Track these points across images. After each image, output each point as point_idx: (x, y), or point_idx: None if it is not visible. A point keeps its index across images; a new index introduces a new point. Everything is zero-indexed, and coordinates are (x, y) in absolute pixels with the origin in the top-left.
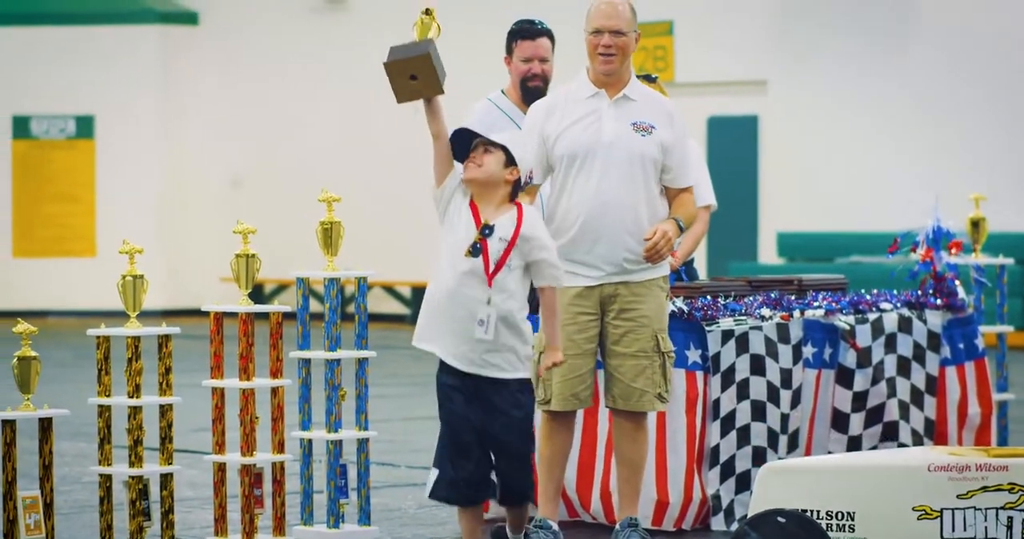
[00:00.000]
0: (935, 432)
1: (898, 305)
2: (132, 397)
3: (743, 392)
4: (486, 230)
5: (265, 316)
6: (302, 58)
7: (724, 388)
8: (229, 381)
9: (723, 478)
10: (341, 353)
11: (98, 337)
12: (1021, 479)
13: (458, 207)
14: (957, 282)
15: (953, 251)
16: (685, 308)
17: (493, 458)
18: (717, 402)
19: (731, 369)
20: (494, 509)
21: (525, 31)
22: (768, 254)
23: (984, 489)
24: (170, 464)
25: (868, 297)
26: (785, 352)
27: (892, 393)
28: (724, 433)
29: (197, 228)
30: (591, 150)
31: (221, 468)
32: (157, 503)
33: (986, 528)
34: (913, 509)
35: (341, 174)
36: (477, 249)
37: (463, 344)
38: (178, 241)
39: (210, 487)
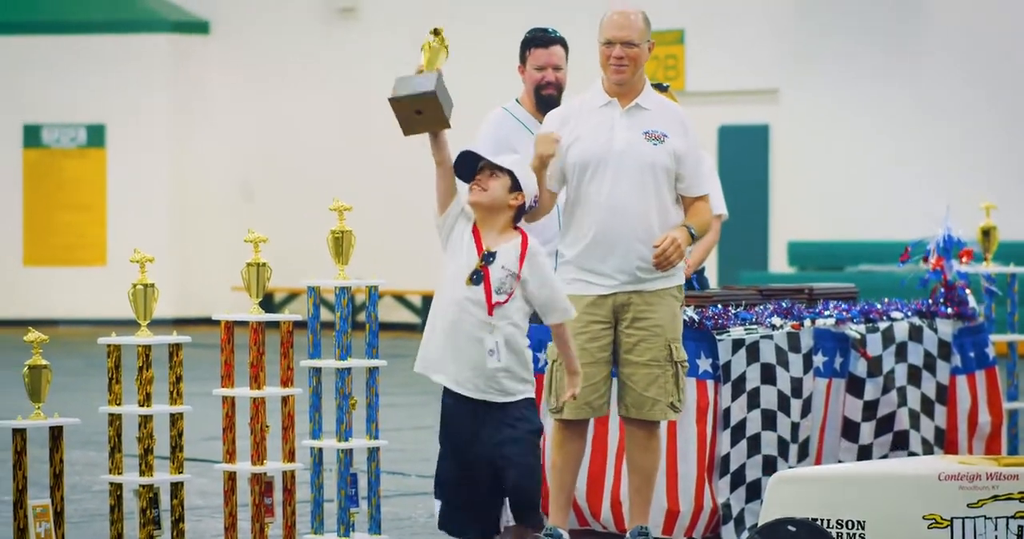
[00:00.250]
0: (945, 441)
1: (909, 314)
2: (143, 406)
3: (754, 401)
4: (488, 258)
5: (276, 325)
6: (313, 67)
7: (735, 397)
8: (240, 390)
9: (733, 487)
10: (352, 362)
11: (109, 346)
12: None
13: (460, 233)
14: (968, 291)
15: (964, 260)
16: (696, 317)
17: (502, 473)
18: (727, 411)
19: (742, 378)
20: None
21: (538, 39)
22: (779, 263)
23: (995, 498)
24: (181, 473)
25: (879, 306)
26: (796, 361)
27: (903, 402)
28: (734, 442)
29: (208, 237)
30: (603, 159)
31: (231, 477)
32: (168, 512)
33: (996, 537)
34: (923, 518)
35: (351, 183)
36: (478, 277)
37: (466, 370)
38: (189, 250)
39: (220, 496)
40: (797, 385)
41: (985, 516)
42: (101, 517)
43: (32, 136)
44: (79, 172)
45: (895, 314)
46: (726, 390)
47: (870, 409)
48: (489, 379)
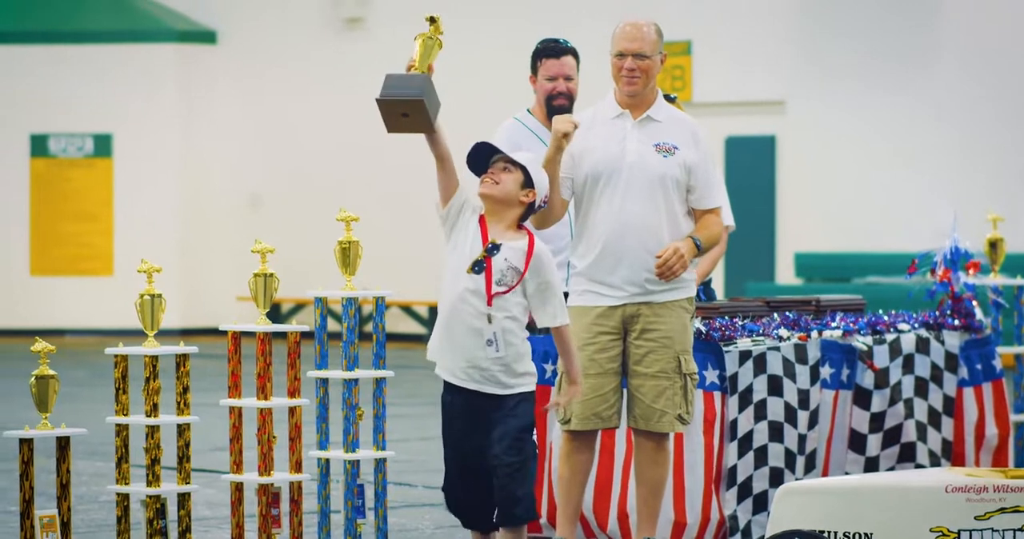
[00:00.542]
0: (952, 453)
1: (916, 326)
2: (150, 416)
3: (760, 413)
4: (492, 249)
5: (283, 335)
6: (320, 77)
7: (741, 409)
8: (247, 400)
9: (740, 499)
10: (359, 373)
11: (116, 356)
12: None
13: (466, 222)
14: (975, 303)
15: (971, 272)
16: (703, 328)
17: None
18: (734, 423)
19: (748, 389)
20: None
21: (550, 49)
22: (785, 274)
23: (1002, 510)
24: (188, 483)
25: (886, 318)
26: (803, 373)
27: (909, 414)
28: (741, 454)
29: (215, 247)
30: (614, 171)
31: (239, 487)
32: (175, 523)
33: None
34: (931, 530)
35: (359, 193)
36: (480, 266)
37: (461, 360)
38: (196, 260)
39: (227, 506)
40: (804, 397)
41: (992, 528)
42: (108, 528)
43: (39, 146)
44: (86, 182)
45: (902, 326)
46: (733, 402)
47: (877, 421)
48: (484, 371)
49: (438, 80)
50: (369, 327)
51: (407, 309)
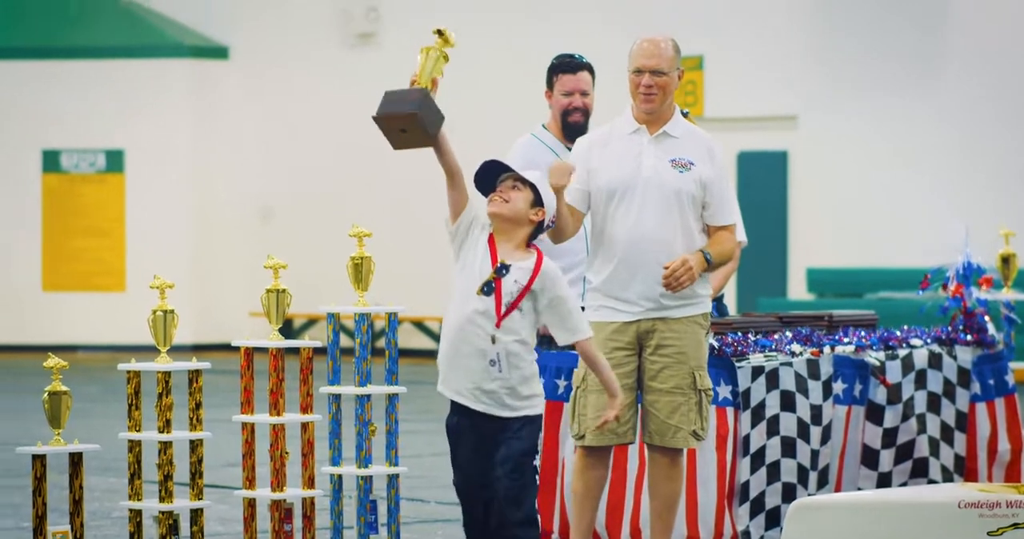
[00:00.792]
0: (965, 468)
1: (928, 341)
2: (162, 432)
3: (773, 428)
4: (502, 270)
5: (295, 351)
6: (332, 92)
7: (754, 424)
8: (259, 416)
9: (753, 514)
10: (371, 388)
11: (128, 372)
12: None
13: (475, 241)
14: (987, 318)
15: (983, 287)
16: (715, 344)
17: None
18: (747, 438)
19: (761, 405)
20: None
21: (566, 65)
22: (798, 290)
23: (1015, 526)
24: (200, 499)
25: (898, 333)
26: (815, 388)
27: (922, 429)
28: (754, 469)
29: (227, 262)
30: (629, 186)
31: (251, 503)
32: (188, 538)
33: None
34: None
35: (371, 208)
36: (490, 288)
37: (467, 381)
38: (208, 275)
39: (240, 522)
40: (817, 412)
41: None
42: None
43: (51, 161)
44: (98, 197)
45: (915, 341)
46: (746, 417)
47: (889, 436)
48: (491, 393)
49: (448, 92)
50: (381, 343)
51: (419, 325)
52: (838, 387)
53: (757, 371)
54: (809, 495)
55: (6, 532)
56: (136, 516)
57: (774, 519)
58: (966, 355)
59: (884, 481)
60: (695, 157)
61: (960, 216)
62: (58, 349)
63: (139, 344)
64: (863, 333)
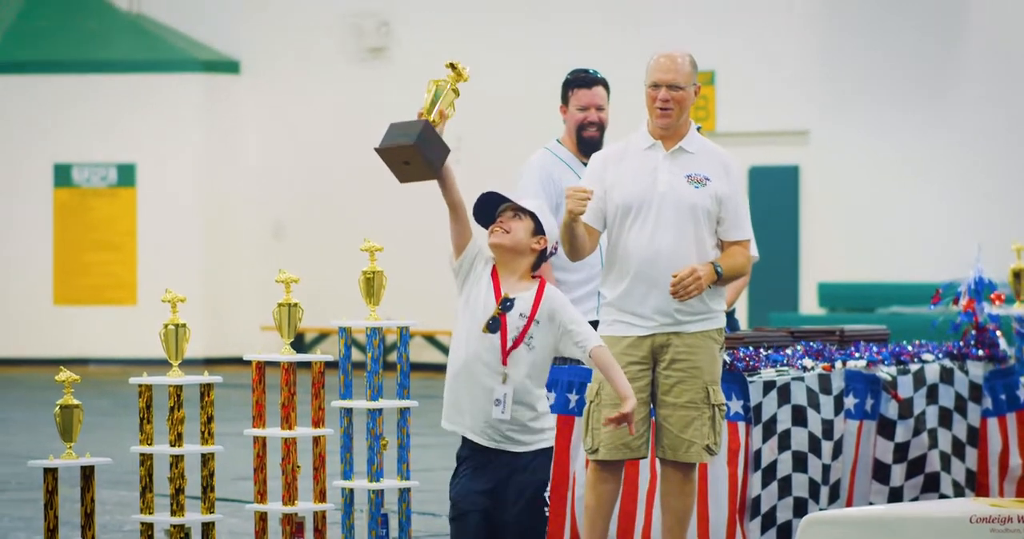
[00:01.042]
0: (976, 483)
1: (940, 356)
2: (174, 446)
3: (784, 443)
4: (506, 303)
5: (307, 365)
6: (344, 107)
7: (765, 439)
8: (271, 430)
9: (764, 529)
10: (383, 403)
11: (140, 386)
12: None
13: (479, 276)
14: (999, 333)
15: (995, 302)
16: (727, 358)
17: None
18: (758, 453)
19: (772, 420)
20: None
21: (581, 80)
22: (809, 304)
23: None
24: (212, 513)
25: (910, 348)
26: (827, 403)
27: (934, 444)
28: (765, 484)
29: (239, 276)
30: (645, 201)
31: (263, 517)
32: None
33: None
34: None
35: (383, 222)
36: (495, 324)
37: (480, 420)
38: (219, 289)
39: (252, 536)
40: (828, 427)
41: None
42: None
43: (62, 176)
44: (109, 211)
45: (926, 356)
46: (757, 432)
47: (901, 451)
48: (501, 431)
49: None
50: (393, 357)
51: (431, 339)
52: (849, 402)
53: (768, 386)
54: (820, 510)
55: None
56: (148, 529)
57: (785, 534)
58: (978, 370)
59: (895, 496)
60: (711, 173)
61: (972, 231)
62: (70, 363)
63: (151, 358)
64: (875, 348)
